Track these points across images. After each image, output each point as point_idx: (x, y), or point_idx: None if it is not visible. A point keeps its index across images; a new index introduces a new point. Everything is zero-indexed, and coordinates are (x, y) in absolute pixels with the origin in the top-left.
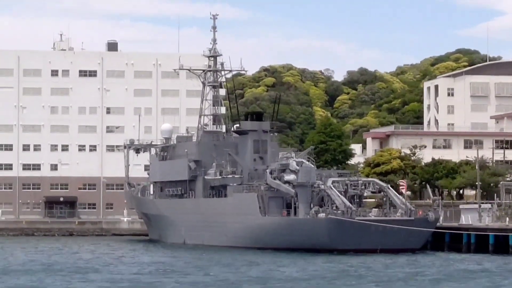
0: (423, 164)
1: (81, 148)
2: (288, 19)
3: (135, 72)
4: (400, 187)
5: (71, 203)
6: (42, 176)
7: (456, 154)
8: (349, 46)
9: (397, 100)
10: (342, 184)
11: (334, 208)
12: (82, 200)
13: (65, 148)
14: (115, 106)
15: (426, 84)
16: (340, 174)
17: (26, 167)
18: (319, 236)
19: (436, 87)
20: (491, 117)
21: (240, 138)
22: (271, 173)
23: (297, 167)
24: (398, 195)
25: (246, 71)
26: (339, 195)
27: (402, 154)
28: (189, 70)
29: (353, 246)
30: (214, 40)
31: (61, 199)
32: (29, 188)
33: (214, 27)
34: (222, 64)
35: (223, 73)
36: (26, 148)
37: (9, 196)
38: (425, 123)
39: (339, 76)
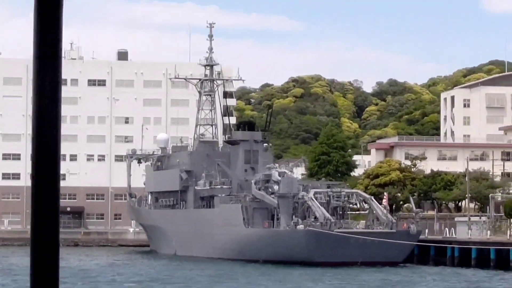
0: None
1: (90, 157)
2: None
3: (145, 82)
4: (383, 200)
5: (78, 213)
6: None
7: (462, 166)
8: (384, 56)
9: (416, 111)
10: (324, 195)
11: (313, 219)
12: (90, 210)
13: (73, 157)
14: (124, 115)
15: (443, 95)
16: (329, 185)
17: None
18: (297, 248)
19: (453, 98)
20: (499, 129)
21: (232, 148)
22: (255, 183)
23: (279, 178)
24: (380, 207)
25: (243, 80)
26: (320, 206)
27: (403, 165)
28: (184, 79)
29: (332, 259)
30: (211, 49)
31: (68, 209)
32: None
33: (210, 36)
34: (219, 73)
35: (220, 82)
36: None
37: (17, 206)
38: (442, 134)
39: (368, 87)
